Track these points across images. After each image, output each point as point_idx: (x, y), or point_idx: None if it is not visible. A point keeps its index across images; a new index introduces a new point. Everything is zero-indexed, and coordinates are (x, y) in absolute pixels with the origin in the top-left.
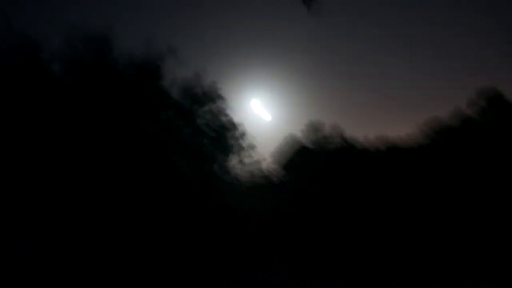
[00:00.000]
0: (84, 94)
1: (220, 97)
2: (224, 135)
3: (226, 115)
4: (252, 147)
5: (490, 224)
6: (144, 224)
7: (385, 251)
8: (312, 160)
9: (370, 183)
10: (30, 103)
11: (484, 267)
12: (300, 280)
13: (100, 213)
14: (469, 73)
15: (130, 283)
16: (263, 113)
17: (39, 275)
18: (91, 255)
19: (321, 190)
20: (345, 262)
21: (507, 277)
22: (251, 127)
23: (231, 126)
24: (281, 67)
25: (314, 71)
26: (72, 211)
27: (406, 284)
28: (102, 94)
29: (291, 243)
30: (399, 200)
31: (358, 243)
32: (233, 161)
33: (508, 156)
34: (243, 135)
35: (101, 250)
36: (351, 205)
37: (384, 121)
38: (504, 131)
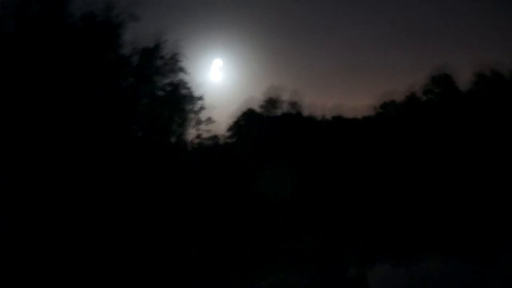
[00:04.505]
0: (37, 55)
1: (182, 70)
2: (183, 108)
3: (187, 88)
4: (210, 121)
5: (436, 197)
6: (99, 193)
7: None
8: (259, 125)
9: (314, 150)
10: None
11: (432, 240)
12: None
13: (55, 180)
14: (431, 50)
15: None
16: (223, 74)
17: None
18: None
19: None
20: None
21: (455, 249)
22: (210, 89)
23: (191, 99)
24: (246, 30)
25: (279, 36)
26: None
27: (351, 257)
28: (57, 56)
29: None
30: (341, 169)
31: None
32: (191, 134)
33: (450, 135)
34: (202, 108)
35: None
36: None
37: (344, 90)
38: (450, 112)
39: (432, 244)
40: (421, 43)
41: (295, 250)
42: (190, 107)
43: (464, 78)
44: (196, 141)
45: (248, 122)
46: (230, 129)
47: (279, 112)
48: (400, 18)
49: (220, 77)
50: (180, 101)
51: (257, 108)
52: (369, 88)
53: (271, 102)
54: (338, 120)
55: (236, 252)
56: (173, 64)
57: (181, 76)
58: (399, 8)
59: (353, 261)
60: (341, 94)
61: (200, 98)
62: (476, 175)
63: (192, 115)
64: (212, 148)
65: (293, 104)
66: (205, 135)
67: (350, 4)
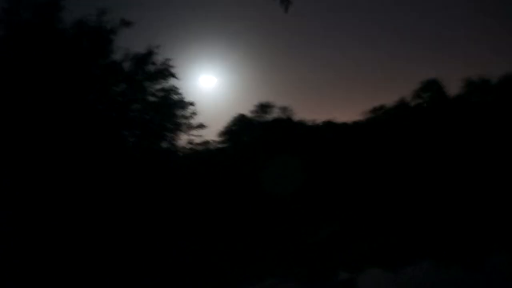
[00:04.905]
0: (29, 63)
1: (173, 75)
2: (174, 114)
3: (178, 93)
4: (202, 126)
5: (426, 201)
6: (89, 200)
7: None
8: (250, 129)
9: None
10: None
11: (422, 244)
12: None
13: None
14: (426, 64)
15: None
16: (216, 88)
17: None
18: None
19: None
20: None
21: (445, 254)
22: (202, 102)
23: (182, 105)
24: (238, 45)
25: (270, 51)
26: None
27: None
28: (49, 63)
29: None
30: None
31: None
32: (182, 140)
33: (440, 144)
34: (194, 114)
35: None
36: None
37: (336, 105)
38: (440, 121)
39: (423, 249)
40: (415, 57)
41: (284, 255)
42: (182, 112)
43: (455, 86)
44: (188, 146)
45: (240, 127)
46: (221, 134)
47: (270, 117)
48: (397, 33)
49: (212, 91)
50: (172, 106)
51: (248, 114)
52: (363, 103)
53: (263, 108)
54: (329, 125)
55: (223, 258)
56: (165, 70)
57: (173, 82)
58: (396, 21)
59: (343, 265)
60: (333, 108)
61: (192, 103)
62: (466, 179)
63: (183, 121)
64: (203, 153)
65: (284, 109)
66: (196, 140)
67: (343, 17)
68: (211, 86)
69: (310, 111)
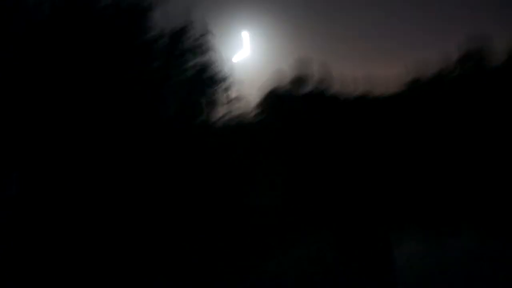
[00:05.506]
0: (68, 41)
1: (209, 49)
2: (211, 87)
3: (214, 67)
4: (239, 99)
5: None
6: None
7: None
8: (288, 102)
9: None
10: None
11: (465, 213)
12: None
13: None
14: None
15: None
16: (252, 45)
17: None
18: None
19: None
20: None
21: (491, 224)
22: (238, 62)
23: (219, 78)
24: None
25: (307, 5)
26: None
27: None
28: (87, 41)
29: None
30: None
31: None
32: (219, 113)
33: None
34: (230, 86)
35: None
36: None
37: (375, 60)
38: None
39: (465, 218)
40: (455, 11)
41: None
42: (219, 86)
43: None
44: (223, 120)
45: (273, 103)
46: (255, 109)
47: (305, 90)
48: None
49: (248, 49)
50: (208, 80)
51: (282, 86)
52: (401, 57)
53: (297, 80)
54: (363, 99)
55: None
56: (201, 45)
57: (209, 55)
58: None
59: (379, 236)
60: (372, 63)
61: (228, 76)
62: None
63: (220, 94)
64: (238, 128)
65: (320, 81)
66: (233, 113)
67: None
68: (248, 48)
69: (349, 68)
